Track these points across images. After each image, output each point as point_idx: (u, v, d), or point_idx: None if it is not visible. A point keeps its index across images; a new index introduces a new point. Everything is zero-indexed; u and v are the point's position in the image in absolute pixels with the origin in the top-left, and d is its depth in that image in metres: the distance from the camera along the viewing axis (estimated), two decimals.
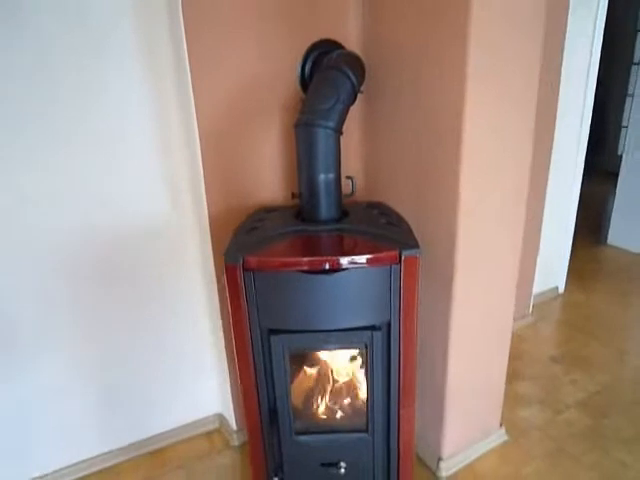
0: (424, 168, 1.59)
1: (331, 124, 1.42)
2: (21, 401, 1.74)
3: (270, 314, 1.36)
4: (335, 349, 1.50)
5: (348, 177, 1.56)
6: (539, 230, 2.75)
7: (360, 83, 1.53)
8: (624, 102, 5.83)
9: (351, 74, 1.48)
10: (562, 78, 2.54)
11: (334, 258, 1.28)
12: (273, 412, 1.48)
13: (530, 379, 2.39)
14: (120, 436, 1.98)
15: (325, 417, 1.59)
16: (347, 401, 1.59)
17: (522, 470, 1.86)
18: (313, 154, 1.45)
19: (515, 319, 2.72)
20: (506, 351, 1.90)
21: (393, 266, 1.30)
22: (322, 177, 1.47)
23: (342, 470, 1.54)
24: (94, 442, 1.93)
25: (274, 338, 1.38)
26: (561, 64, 2.52)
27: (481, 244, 1.60)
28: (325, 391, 1.59)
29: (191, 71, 1.54)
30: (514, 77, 1.48)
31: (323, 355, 1.54)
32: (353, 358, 1.53)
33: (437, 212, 1.57)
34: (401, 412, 1.47)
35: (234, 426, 2.04)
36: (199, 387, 2.09)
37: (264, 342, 1.40)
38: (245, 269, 1.30)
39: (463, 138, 1.43)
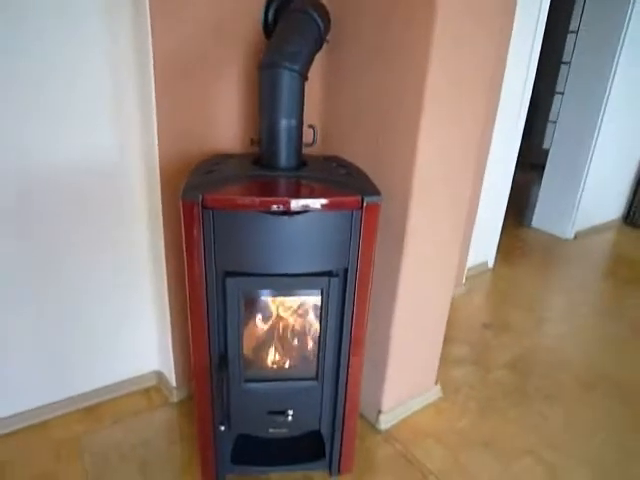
0: (384, 122, 1.61)
1: (297, 67, 1.40)
2: None
3: (227, 255, 1.33)
4: (292, 294, 1.50)
5: (310, 126, 1.54)
6: (475, 209, 2.88)
7: (327, 29, 1.52)
8: (552, 99, 6.22)
9: (318, 18, 1.46)
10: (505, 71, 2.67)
11: (299, 199, 1.26)
12: (223, 358, 1.45)
13: (463, 343, 2.52)
14: (53, 390, 1.86)
15: (275, 366, 1.59)
16: (298, 349, 1.59)
17: (456, 424, 1.97)
18: (277, 97, 1.42)
19: None
20: (445, 312, 1.98)
21: (354, 212, 1.31)
22: (284, 122, 1.44)
23: (289, 417, 1.55)
24: (26, 395, 1.80)
25: (230, 280, 1.35)
26: (506, 57, 2.64)
27: (432, 203, 1.66)
28: (276, 339, 1.58)
29: (150, 11, 1.45)
30: (475, 45, 1.52)
31: (276, 302, 1.53)
32: (306, 306, 1.53)
33: (394, 167, 1.60)
34: (351, 360, 1.50)
35: (173, 383, 1.98)
36: (138, 343, 2.01)
37: (218, 285, 1.36)
38: (204, 207, 1.25)
39: (425, 93, 1.45)
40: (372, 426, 1.93)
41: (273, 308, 1.53)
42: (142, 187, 1.78)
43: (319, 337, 1.48)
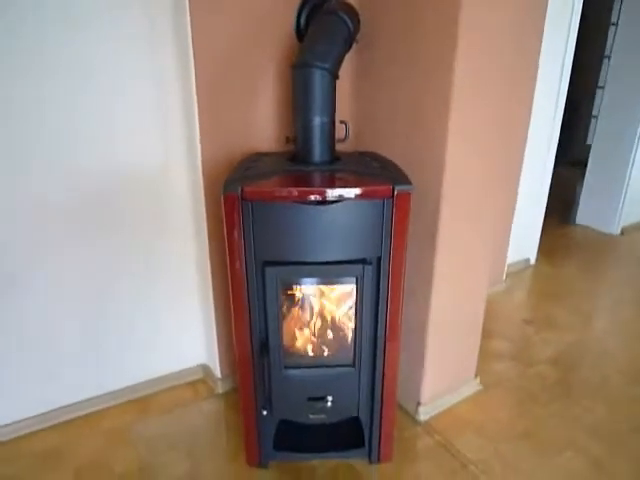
0: (414, 119, 1.66)
1: (328, 66, 1.47)
2: (9, 343, 1.74)
3: (265, 246, 1.40)
4: (328, 282, 1.55)
5: (342, 122, 1.61)
6: (513, 203, 2.87)
7: (356, 30, 1.58)
8: (594, 94, 6.04)
9: (348, 20, 1.53)
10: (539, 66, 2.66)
11: (331, 189, 1.33)
12: (264, 345, 1.52)
13: (504, 338, 2.50)
14: (104, 383, 1.99)
15: (314, 353, 1.65)
16: (335, 337, 1.65)
17: (495, 415, 1.97)
18: (309, 95, 1.49)
19: (490, 285, 2.85)
20: (482, 304, 1.99)
21: (386, 200, 1.36)
22: (317, 119, 1.51)
23: (329, 404, 1.60)
24: (79, 387, 1.94)
25: (269, 270, 1.43)
26: (539, 52, 2.63)
27: (465, 198, 1.68)
28: (314, 327, 1.64)
29: (191, 21, 1.55)
30: (502, 41, 1.55)
31: (313, 291, 1.59)
32: (342, 294, 1.58)
33: (424, 163, 1.64)
34: (387, 345, 1.54)
35: (219, 374, 2.07)
36: (184, 337, 2.12)
37: (258, 275, 1.44)
38: (243, 199, 1.34)
39: (453, 91, 1.50)
40: (412, 417, 1.95)
41: (310, 297, 1.60)
42: (186, 187, 1.89)
43: (355, 324, 1.53)
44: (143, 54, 1.67)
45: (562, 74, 2.93)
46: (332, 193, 1.32)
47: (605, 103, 3.78)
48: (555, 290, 3.02)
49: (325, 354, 1.65)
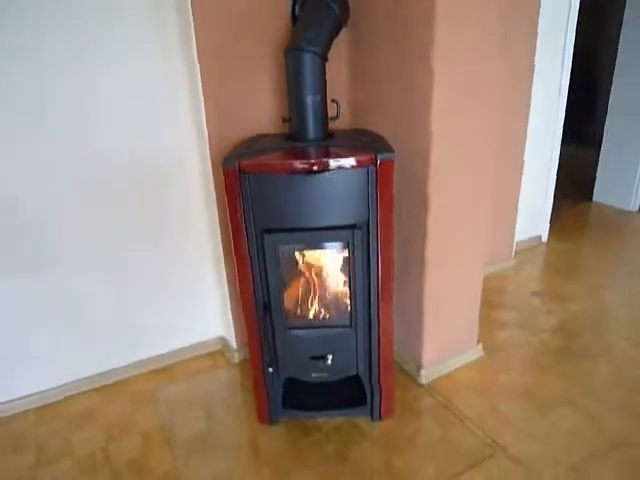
0: (402, 95, 1.77)
1: (317, 49, 1.60)
2: (42, 312, 1.95)
3: (263, 215, 1.55)
4: (322, 247, 1.69)
5: (333, 100, 1.74)
6: (519, 176, 2.92)
7: (344, 16, 1.71)
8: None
9: (335, 7, 1.66)
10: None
11: (318, 159, 1.46)
12: (267, 307, 1.67)
13: (509, 308, 2.58)
14: (129, 354, 2.18)
15: (314, 315, 1.78)
16: (332, 299, 1.78)
17: (498, 379, 2.05)
18: (301, 77, 1.63)
19: (499, 261, 2.92)
20: (479, 269, 2.07)
21: (370, 168, 1.49)
22: (309, 98, 1.65)
23: (329, 362, 1.73)
24: (108, 356, 2.14)
25: (267, 237, 1.57)
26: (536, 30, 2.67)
27: (455, 168, 1.78)
28: (313, 290, 1.77)
29: (193, 15, 1.71)
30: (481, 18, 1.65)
31: (309, 256, 1.73)
32: (336, 258, 1.71)
33: (412, 135, 1.75)
34: (380, 306, 1.66)
35: (234, 345, 2.24)
36: (204, 311, 2.29)
37: (258, 242, 1.58)
38: (241, 172, 1.49)
39: (433, 61, 1.60)
40: (414, 380, 2.06)
41: (307, 262, 1.73)
42: (197, 169, 2.06)
43: (349, 287, 1.66)
44: (153, 48, 1.85)
45: (565, 51, 2.95)
46: (319, 163, 1.46)
47: (618, 80, 3.76)
48: (566, 265, 3.06)
49: (324, 316, 1.78)
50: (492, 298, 2.66)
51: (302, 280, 1.77)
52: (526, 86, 2.76)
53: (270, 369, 1.74)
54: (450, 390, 1.99)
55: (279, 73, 1.90)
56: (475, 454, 1.69)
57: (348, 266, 1.63)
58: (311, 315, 1.78)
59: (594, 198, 4.05)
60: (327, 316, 1.78)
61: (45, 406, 2.02)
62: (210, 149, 1.87)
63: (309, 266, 1.74)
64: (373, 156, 1.47)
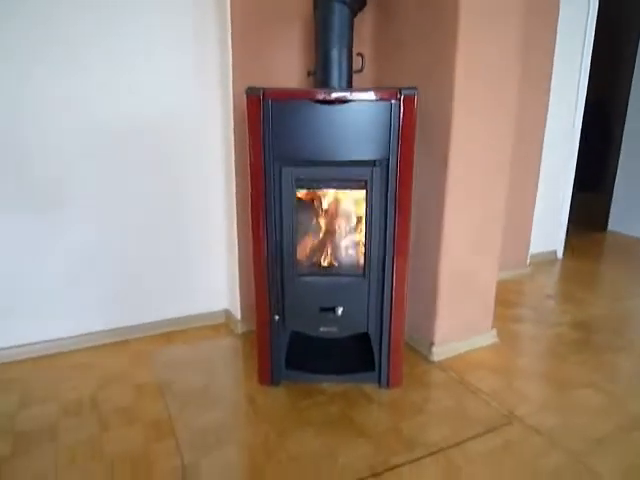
0: (427, 58, 1.81)
1: (347, 0, 1.65)
2: (52, 261, 1.91)
3: (282, 146, 1.53)
4: (339, 186, 1.65)
5: (359, 54, 1.77)
6: (535, 187, 2.92)
7: None
8: None
9: None
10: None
11: (342, 91, 1.47)
12: (279, 249, 1.62)
13: (525, 307, 2.49)
14: (133, 316, 2.11)
15: (326, 262, 1.72)
16: (347, 247, 1.72)
17: (514, 362, 1.95)
18: (328, 27, 1.67)
19: (513, 268, 2.86)
20: (496, 252, 2.02)
21: (393, 102, 1.49)
22: (335, 49, 1.68)
23: (339, 313, 1.65)
24: (111, 316, 2.07)
25: (285, 170, 1.55)
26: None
27: (476, 129, 1.78)
28: (328, 238, 1.72)
29: None
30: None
31: (326, 196, 1.69)
32: (353, 200, 1.68)
33: (435, 97, 1.76)
34: (396, 256, 1.61)
35: (238, 316, 2.16)
36: (211, 283, 2.24)
37: (276, 175, 1.56)
38: (264, 98, 1.49)
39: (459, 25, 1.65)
40: (425, 358, 1.96)
41: (323, 204, 1.70)
42: (218, 124, 2.08)
43: (365, 232, 1.61)
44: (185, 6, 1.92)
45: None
46: (340, 93, 1.46)
47: (632, 107, 3.84)
48: (581, 277, 2.98)
49: (337, 264, 1.72)
50: (507, 298, 2.57)
51: (316, 223, 1.72)
52: (544, 85, 2.80)
53: (277, 317, 1.66)
54: (463, 368, 1.89)
55: (307, 30, 1.95)
56: (490, 422, 1.57)
57: (365, 209, 1.59)
58: (323, 262, 1.72)
59: (609, 227, 4.02)
60: (340, 264, 1.72)
61: (40, 357, 1.94)
62: (234, 103, 1.89)
63: (325, 208, 1.70)
64: (397, 91, 1.48)
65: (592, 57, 3.05)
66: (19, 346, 1.91)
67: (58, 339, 1.97)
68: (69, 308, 1.97)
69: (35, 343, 1.94)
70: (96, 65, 1.82)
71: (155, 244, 2.08)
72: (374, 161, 1.54)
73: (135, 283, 2.08)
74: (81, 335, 2.01)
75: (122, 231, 2.00)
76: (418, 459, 1.39)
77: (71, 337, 2.00)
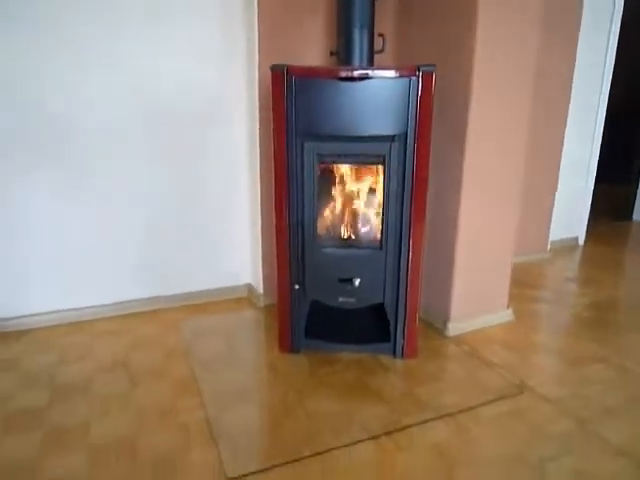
0: (449, 34, 1.85)
1: None
2: (84, 236, 2.03)
3: (305, 122, 1.60)
4: (358, 161, 1.72)
5: (380, 34, 1.83)
6: (556, 171, 2.92)
7: None
8: None
9: None
10: None
11: (363, 68, 1.53)
12: (301, 222, 1.69)
13: (544, 289, 2.51)
14: (161, 287, 2.22)
15: (345, 234, 1.79)
16: (365, 220, 1.79)
17: (528, 338, 1.98)
18: (351, 8, 1.73)
19: (533, 252, 2.88)
20: (512, 229, 2.04)
21: (412, 79, 1.54)
22: (357, 30, 1.74)
23: (356, 284, 1.72)
24: (140, 286, 2.18)
25: (307, 145, 1.62)
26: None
27: (494, 106, 1.82)
28: (347, 211, 1.79)
29: None
30: None
31: (347, 172, 1.76)
32: (372, 174, 1.74)
33: (455, 74, 1.81)
34: (412, 226, 1.66)
35: (261, 290, 2.24)
36: (235, 258, 2.34)
37: (298, 150, 1.63)
38: (288, 74, 1.56)
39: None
40: (440, 333, 2.01)
41: (343, 178, 1.76)
42: (243, 101, 2.16)
43: (382, 205, 1.67)
44: None
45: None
46: (363, 70, 1.52)
47: None
48: (601, 262, 2.97)
49: (355, 236, 1.79)
50: (526, 280, 2.60)
51: (336, 197, 1.79)
52: (565, 82, 2.81)
53: (297, 286, 1.74)
54: (477, 343, 1.93)
55: (330, 12, 2.02)
56: (501, 390, 1.62)
57: (383, 184, 1.65)
58: (342, 234, 1.79)
59: (634, 217, 3.97)
60: (358, 237, 1.79)
61: (75, 323, 2.07)
62: (259, 80, 1.97)
63: (345, 183, 1.77)
64: (416, 67, 1.53)
65: (621, 43, 3.02)
66: (55, 311, 2.04)
67: (92, 306, 2.10)
68: (102, 278, 2.09)
69: (70, 310, 2.06)
70: (129, 39, 1.92)
71: (184, 220, 2.18)
72: (393, 136, 1.60)
73: (165, 256, 2.19)
74: (113, 304, 2.13)
75: (153, 204, 2.11)
76: (429, 420, 1.45)
77: (104, 305, 2.12)
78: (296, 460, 1.29)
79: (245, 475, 1.23)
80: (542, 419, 1.47)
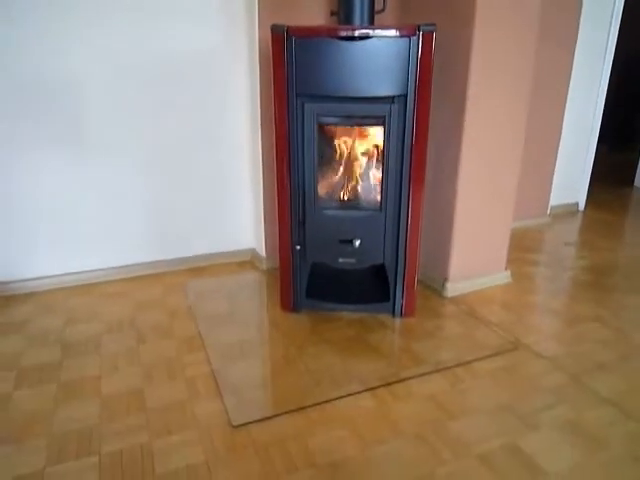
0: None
1: None
2: (89, 201, 2.05)
3: (305, 82, 1.61)
4: (358, 123, 1.73)
5: None
6: (557, 136, 2.91)
7: None
8: None
9: None
10: None
11: (363, 28, 1.52)
12: (302, 184, 1.71)
13: (542, 252, 2.54)
14: (163, 251, 2.26)
15: (346, 197, 1.82)
16: (365, 183, 1.81)
17: (525, 299, 2.03)
18: None
19: (533, 217, 2.90)
20: (512, 192, 2.06)
21: (412, 38, 1.53)
22: None
23: (356, 245, 1.75)
24: (146, 250, 2.23)
25: (308, 106, 1.63)
26: None
27: (494, 70, 1.81)
28: (347, 173, 1.81)
29: None
30: None
31: (347, 134, 1.77)
32: (371, 136, 1.75)
33: (456, 29, 1.79)
34: (412, 187, 1.68)
35: (263, 254, 2.28)
36: (238, 223, 2.37)
37: (298, 111, 1.64)
38: (288, 35, 1.56)
39: None
40: (438, 294, 2.05)
41: (343, 139, 1.78)
42: (244, 63, 2.16)
43: (382, 167, 1.69)
44: None
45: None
46: (361, 29, 1.52)
47: None
48: (601, 227, 2.99)
49: (355, 198, 1.81)
50: (525, 244, 2.63)
51: (337, 159, 1.80)
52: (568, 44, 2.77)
53: (298, 247, 1.77)
54: (475, 303, 1.98)
55: None
56: (497, 347, 1.66)
57: (383, 145, 1.67)
58: (342, 196, 1.81)
59: (635, 183, 3.97)
60: (358, 198, 1.81)
61: (81, 285, 2.12)
62: (259, 42, 1.96)
63: (345, 145, 1.78)
64: (416, 27, 1.52)
65: (625, 9, 2.96)
66: (62, 274, 2.09)
67: (97, 269, 2.14)
68: (105, 242, 2.13)
69: (77, 272, 2.11)
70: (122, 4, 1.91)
71: (187, 184, 2.20)
72: (392, 97, 1.60)
73: (168, 221, 2.22)
74: (117, 267, 2.18)
75: (156, 169, 2.13)
76: (426, 373, 1.51)
77: (110, 268, 2.16)
78: (297, 410, 1.34)
79: (249, 423, 1.29)
80: (536, 373, 1.52)
